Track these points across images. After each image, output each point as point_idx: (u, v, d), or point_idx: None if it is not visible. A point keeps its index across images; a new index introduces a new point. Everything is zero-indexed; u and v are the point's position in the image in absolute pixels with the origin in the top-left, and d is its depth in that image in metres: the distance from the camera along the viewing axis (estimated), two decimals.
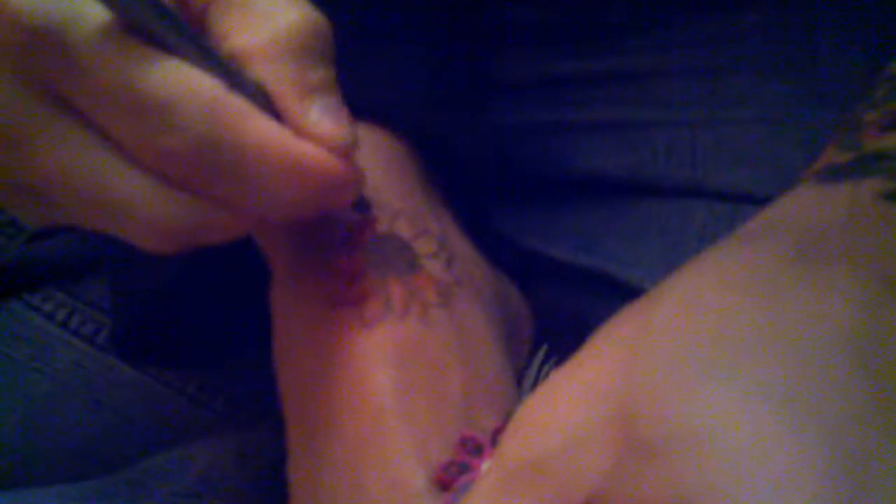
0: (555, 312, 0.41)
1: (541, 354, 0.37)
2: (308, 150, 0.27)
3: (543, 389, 0.24)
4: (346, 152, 0.28)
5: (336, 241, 0.32)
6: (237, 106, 0.27)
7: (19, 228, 0.47)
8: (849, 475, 0.20)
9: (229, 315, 0.39)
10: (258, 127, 0.27)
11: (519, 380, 0.35)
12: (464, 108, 0.39)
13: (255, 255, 0.34)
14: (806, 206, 0.27)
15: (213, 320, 0.40)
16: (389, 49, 0.37)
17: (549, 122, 0.44)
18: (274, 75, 0.28)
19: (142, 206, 0.28)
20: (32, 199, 0.29)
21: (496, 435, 0.30)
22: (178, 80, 0.26)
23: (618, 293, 0.40)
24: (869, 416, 0.21)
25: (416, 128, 0.36)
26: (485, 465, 0.28)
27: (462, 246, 0.36)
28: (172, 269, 0.37)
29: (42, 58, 0.26)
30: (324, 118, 0.28)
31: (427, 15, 0.38)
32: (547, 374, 0.35)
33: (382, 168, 0.35)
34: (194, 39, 0.27)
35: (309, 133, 0.28)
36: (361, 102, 0.31)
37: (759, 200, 0.30)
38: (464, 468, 0.28)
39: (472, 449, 0.29)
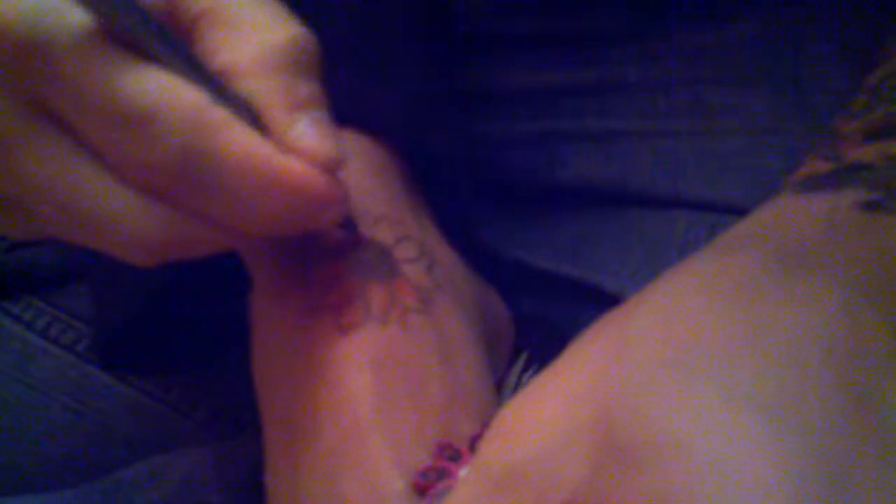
0: (536, 321, 0.41)
1: (521, 361, 0.37)
2: (291, 165, 0.27)
3: (522, 395, 0.24)
4: (332, 168, 0.28)
5: (313, 246, 0.32)
6: (220, 117, 0.27)
7: (0, 238, 0.47)
8: (827, 482, 0.20)
9: (210, 323, 0.39)
10: (241, 139, 0.27)
11: (499, 387, 0.35)
12: (448, 117, 0.39)
13: (236, 261, 0.33)
14: (786, 215, 0.27)
15: (193, 328, 0.40)
16: (375, 57, 0.37)
17: (532, 132, 0.44)
18: (261, 90, 0.28)
19: (124, 220, 0.27)
20: (15, 210, 0.29)
21: (475, 441, 0.30)
22: (161, 90, 0.26)
23: (599, 302, 0.40)
24: (847, 423, 0.21)
25: (400, 135, 0.36)
26: (463, 471, 0.28)
27: (443, 252, 0.36)
28: (154, 278, 0.37)
29: (26, 67, 0.26)
30: (310, 133, 0.28)
31: (413, 23, 0.38)
32: (527, 382, 0.35)
33: (365, 173, 0.35)
34: (179, 50, 0.27)
35: (295, 148, 0.28)
36: (346, 109, 0.31)
37: (741, 210, 0.31)
38: (442, 474, 0.28)
39: (451, 455, 0.29)
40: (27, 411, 0.43)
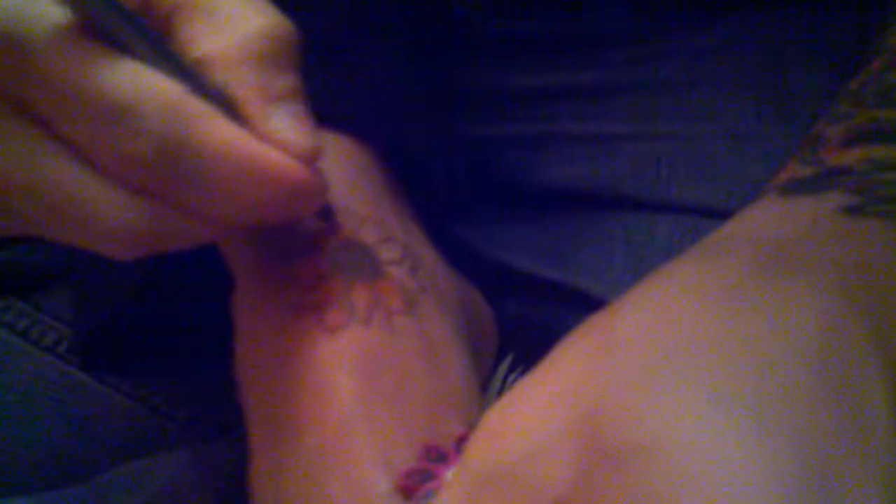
0: (520, 323, 0.41)
1: (506, 363, 0.37)
2: (270, 155, 0.27)
3: (508, 397, 0.25)
4: (308, 159, 0.28)
5: (298, 247, 0.32)
6: (198, 109, 0.27)
7: None
8: (813, 484, 0.20)
9: (193, 323, 0.39)
10: (220, 130, 0.27)
11: (483, 388, 0.35)
12: (432, 119, 0.39)
13: (219, 261, 0.33)
14: (768, 219, 0.27)
15: (176, 329, 0.39)
16: (358, 58, 0.37)
17: (515, 135, 0.44)
18: (238, 81, 0.28)
19: (103, 213, 0.27)
20: None
21: (460, 443, 0.30)
22: (138, 82, 0.26)
23: (583, 305, 0.40)
24: (831, 426, 0.21)
25: (383, 136, 0.36)
26: (449, 473, 0.28)
27: (427, 253, 0.36)
28: (136, 278, 0.37)
29: (0, 63, 0.26)
30: (286, 125, 0.28)
31: (397, 25, 0.38)
32: (512, 383, 0.35)
33: (349, 174, 0.34)
34: (155, 42, 0.27)
35: (272, 139, 0.28)
36: (329, 110, 0.31)
37: (724, 214, 0.31)
38: (427, 475, 0.28)
39: (436, 457, 0.29)
40: (7, 414, 0.43)
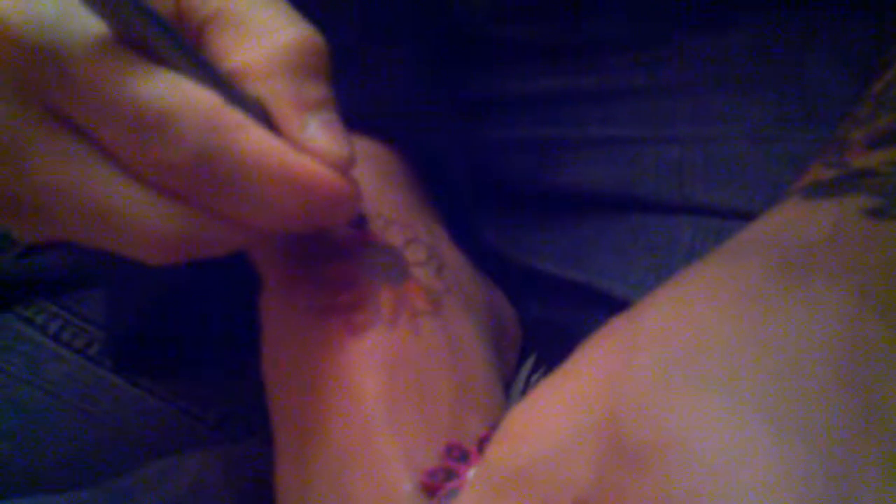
0: (543, 326, 0.41)
1: (529, 364, 0.37)
2: (306, 163, 0.28)
3: (530, 398, 0.25)
4: (343, 168, 0.28)
5: (326, 249, 0.33)
6: (235, 118, 0.27)
7: (12, 242, 0.48)
8: (832, 486, 0.20)
9: (220, 326, 0.39)
10: (256, 139, 0.27)
11: (507, 389, 0.35)
12: (450, 120, 0.40)
13: (247, 264, 0.34)
14: (791, 221, 0.27)
15: (204, 331, 0.40)
16: (383, 62, 0.37)
17: (538, 138, 0.44)
18: (271, 92, 0.28)
19: (140, 219, 0.28)
20: (29, 213, 0.29)
21: (483, 443, 0.30)
22: (176, 92, 0.27)
23: (606, 307, 0.40)
24: (851, 428, 0.21)
25: (407, 139, 0.36)
26: (471, 472, 0.28)
27: (452, 255, 0.36)
28: (167, 280, 0.37)
29: (38, 73, 0.27)
30: (321, 134, 0.28)
31: (421, 29, 0.38)
32: (535, 383, 0.35)
33: (374, 177, 0.35)
34: (192, 53, 0.28)
35: (306, 148, 0.28)
36: (354, 113, 0.31)
37: (746, 216, 0.31)
38: (450, 474, 0.28)
39: (459, 456, 0.29)
40: (38, 414, 0.44)
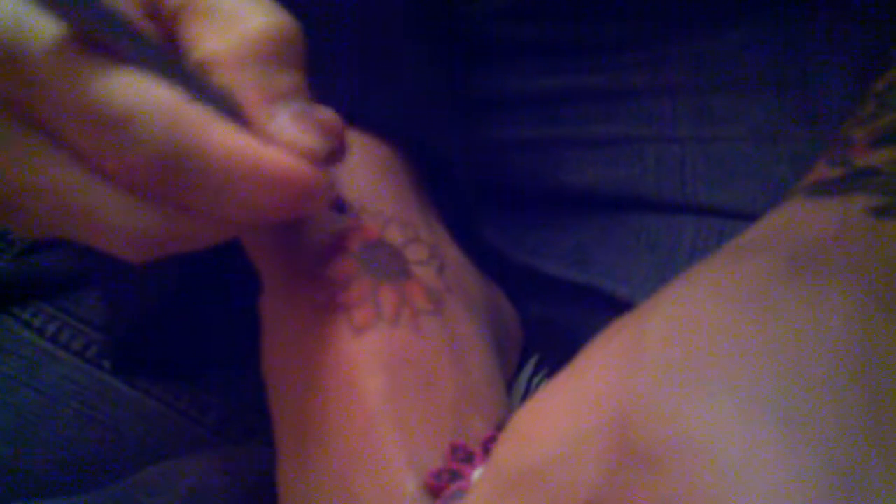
0: (545, 325, 0.41)
1: (531, 365, 0.37)
2: (273, 156, 0.27)
3: (536, 398, 0.25)
4: (316, 157, 0.28)
5: (324, 247, 0.32)
6: (197, 115, 0.26)
7: (9, 243, 0.47)
8: (842, 489, 0.20)
9: (222, 327, 0.39)
10: (221, 135, 0.27)
11: (508, 390, 0.35)
12: (451, 118, 0.39)
13: (246, 266, 0.34)
14: (796, 220, 0.27)
15: (205, 332, 0.40)
16: (384, 59, 0.37)
17: (540, 138, 0.44)
18: (240, 82, 0.28)
19: (112, 218, 0.27)
20: (14, 210, 0.29)
21: (488, 443, 0.30)
22: (136, 91, 0.26)
23: (609, 308, 0.40)
24: (862, 430, 0.21)
25: (409, 137, 0.36)
26: (476, 473, 0.28)
27: (453, 253, 0.36)
28: (166, 282, 0.37)
29: (1, 74, 0.26)
30: (290, 124, 0.28)
31: (416, 23, 0.38)
32: (537, 385, 0.35)
33: (375, 175, 0.35)
34: (152, 48, 0.27)
35: (275, 139, 0.27)
36: (356, 111, 0.31)
37: (750, 216, 0.31)
38: (455, 475, 0.28)
39: (463, 456, 0.29)
40: (37, 417, 0.43)
